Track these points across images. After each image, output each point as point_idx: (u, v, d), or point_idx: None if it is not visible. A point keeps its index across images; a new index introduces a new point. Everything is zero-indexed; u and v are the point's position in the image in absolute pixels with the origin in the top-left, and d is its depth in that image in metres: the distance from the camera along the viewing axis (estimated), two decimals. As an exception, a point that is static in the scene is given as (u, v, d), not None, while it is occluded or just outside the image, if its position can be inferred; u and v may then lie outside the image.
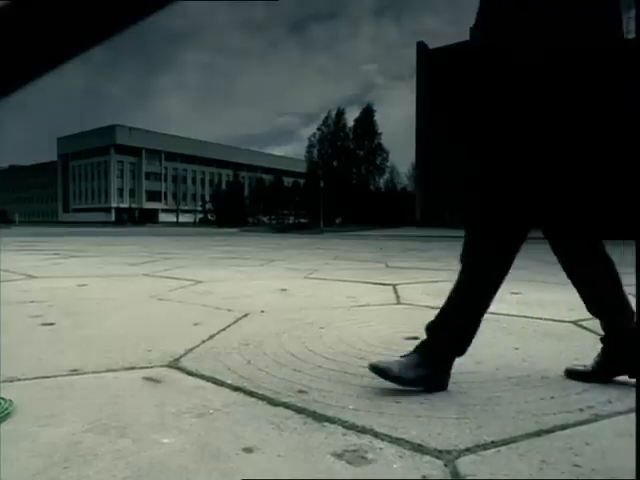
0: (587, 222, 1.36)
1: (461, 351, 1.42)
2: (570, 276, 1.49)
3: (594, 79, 1.26)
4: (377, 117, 47.85)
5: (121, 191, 75.18)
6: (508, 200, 1.32)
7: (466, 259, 1.40)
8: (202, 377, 1.50)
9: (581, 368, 1.49)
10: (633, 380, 1.38)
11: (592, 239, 1.44)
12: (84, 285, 3.67)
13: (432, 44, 36.41)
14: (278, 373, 1.54)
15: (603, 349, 1.47)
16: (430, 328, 1.44)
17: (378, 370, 1.36)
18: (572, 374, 1.49)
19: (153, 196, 76.88)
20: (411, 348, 1.88)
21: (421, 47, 36.50)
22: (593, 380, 1.44)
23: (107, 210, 72.49)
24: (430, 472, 0.94)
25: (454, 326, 1.41)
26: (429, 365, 1.38)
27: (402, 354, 1.44)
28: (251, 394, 1.36)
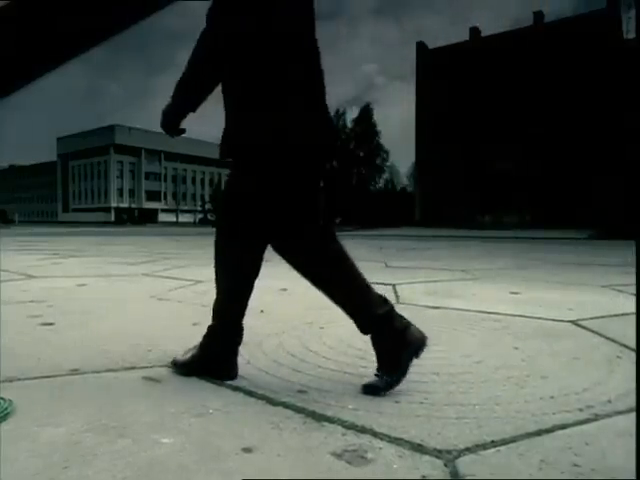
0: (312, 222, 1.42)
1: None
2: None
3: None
4: (377, 117, 47.95)
5: (121, 191, 75.18)
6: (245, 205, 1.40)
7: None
8: (201, 377, 1.50)
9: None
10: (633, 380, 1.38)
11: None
12: (83, 285, 3.67)
13: (431, 44, 36.45)
14: (277, 373, 1.55)
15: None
16: (371, 337, 1.43)
17: (371, 388, 1.36)
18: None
19: (153, 196, 76.89)
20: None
21: (420, 47, 36.52)
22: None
23: (107, 210, 72.48)
24: (430, 472, 0.94)
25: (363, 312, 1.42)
26: (394, 363, 1.37)
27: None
28: (250, 394, 1.36)
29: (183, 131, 1.45)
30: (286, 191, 1.38)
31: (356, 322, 1.43)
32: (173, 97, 1.39)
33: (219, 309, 1.53)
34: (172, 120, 1.42)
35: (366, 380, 1.41)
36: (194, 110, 1.42)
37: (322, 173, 1.46)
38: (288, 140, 1.34)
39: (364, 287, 1.42)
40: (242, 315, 1.52)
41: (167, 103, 1.41)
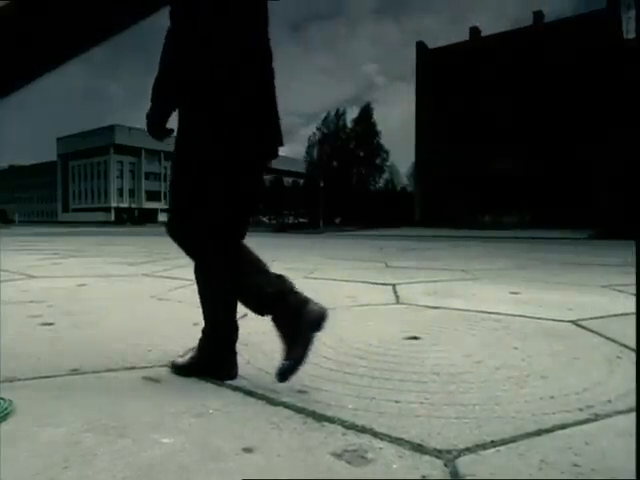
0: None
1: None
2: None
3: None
4: (377, 117, 48.03)
5: (121, 191, 75.18)
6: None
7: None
8: (201, 377, 1.50)
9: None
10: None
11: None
12: (83, 285, 3.67)
13: (431, 44, 36.46)
14: (278, 373, 1.54)
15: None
16: (272, 319, 1.45)
17: (279, 375, 1.36)
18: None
19: (153, 196, 76.85)
20: (410, 347, 1.88)
21: (420, 47, 36.53)
22: None
23: (107, 210, 72.47)
24: (430, 472, 0.94)
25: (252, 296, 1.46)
26: (295, 340, 1.39)
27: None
28: (250, 394, 1.36)
29: (171, 132, 1.46)
30: (214, 191, 1.41)
31: (250, 306, 1.45)
32: (152, 100, 1.41)
33: (208, 310, 1.53)
34: (157, 122, 1.43)
35: (366, 380, 1.41)
36: (175, 109, 1.43)
37: (260, 171, 1.50)
38: (229, 139, 1.36)
39: (257, 271, 1.43)
40: (234, 313, 1.53)
41: (149, 107, 1.43)
